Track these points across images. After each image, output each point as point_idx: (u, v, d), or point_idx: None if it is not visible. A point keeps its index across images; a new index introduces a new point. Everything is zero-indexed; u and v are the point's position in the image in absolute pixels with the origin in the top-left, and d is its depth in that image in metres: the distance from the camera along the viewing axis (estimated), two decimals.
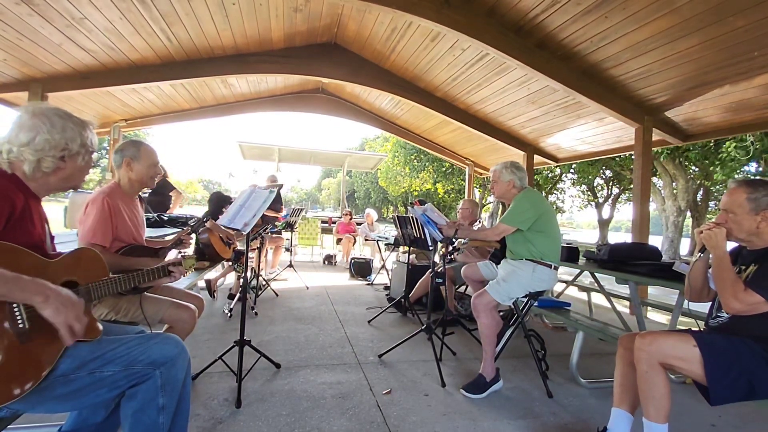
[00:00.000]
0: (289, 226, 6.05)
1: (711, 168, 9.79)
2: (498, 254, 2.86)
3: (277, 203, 6.15)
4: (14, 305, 1.07)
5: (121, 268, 1.52)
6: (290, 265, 5.89)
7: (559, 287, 5.05)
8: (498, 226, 2.58)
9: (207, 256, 3.71)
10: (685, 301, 2.80)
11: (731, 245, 1.83)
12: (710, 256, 1.70)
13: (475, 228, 4.11)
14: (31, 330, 1.10)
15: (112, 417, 1.44)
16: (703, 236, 1.66)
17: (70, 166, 1.30)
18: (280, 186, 5.81)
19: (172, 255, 2.13)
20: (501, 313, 2.65)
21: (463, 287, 4.55)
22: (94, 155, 1.39)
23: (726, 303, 1.54)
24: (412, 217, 3.46)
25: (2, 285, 0.98)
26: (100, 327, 1.31)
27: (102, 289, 1.36)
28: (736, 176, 10.69)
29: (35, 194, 1.27)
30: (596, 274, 3.69)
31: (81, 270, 1.32)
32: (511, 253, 2.66)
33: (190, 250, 3.97)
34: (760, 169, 10.96)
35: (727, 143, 9.27)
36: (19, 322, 1.08)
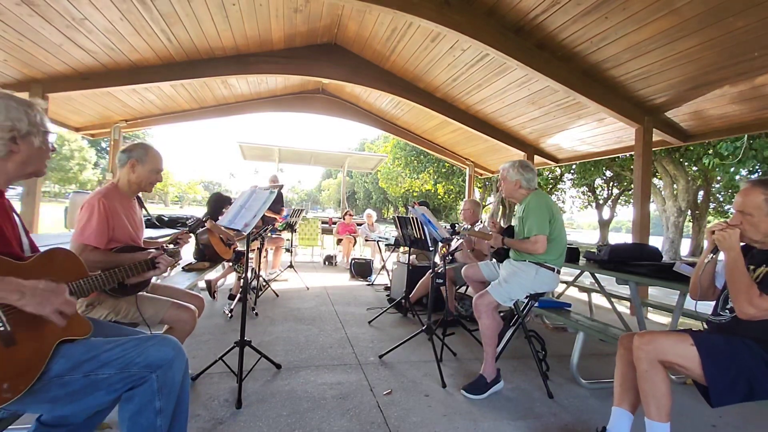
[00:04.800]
0: (290, 227, 6.05)
1: (705, 163, 9.79)
2: (501, 252, 2.85)
3: (278, 204, 6.15)
4: None
5: (115, 265, 1.51)
6: (290, 266, 5.89)
7: (559, 288, 5.05)
8: (537, 239, 2.45)
9: (207, 256, 3.72)
10: (686, 302, 2.81)
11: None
12: (720, 257, 1.66)
13: (476, 228, 4.11)
14: (15, 332, 1.07)
15: (91, 419, 1.44)
16: (716, 237, 1.61)
17: (25, 148, 1.23)
18: (281, 187, 5.81)
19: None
20: (501, 314, 2.65)
21: (464, 288, 4.54)
22: (51, 136, 1.32)
23: (740, 308, 1.50)
24: (412, 218, 3.46)
25: None
26: (90, 324, 1.28)
27: (83, 288, 1.31)
28: (737, 177, 10.70)
29: None
30: (597, 275, 3.69)
31: (57, 270, 1.26)
32: (515, 254, 2.65)
33: (189, 251, 3.98)
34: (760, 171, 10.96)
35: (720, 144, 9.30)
36: (0, 325, 1.05)
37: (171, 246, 1.87)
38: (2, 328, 1.05)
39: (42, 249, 1.33)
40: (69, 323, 1.21)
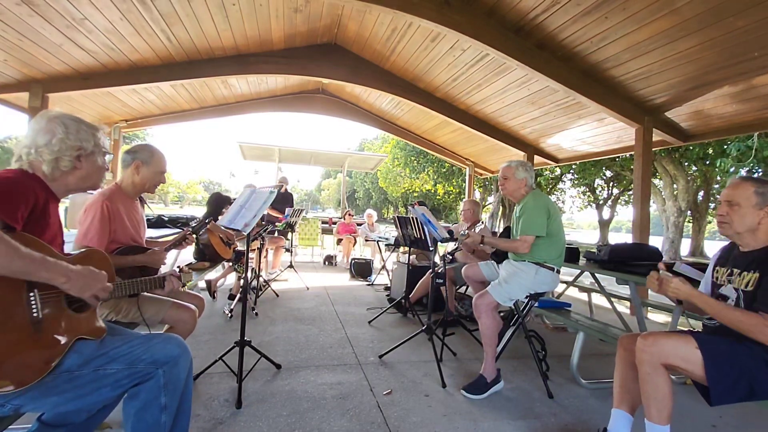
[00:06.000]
0: (290, 227, 6.05)
1: (716, 164, 9.81)
2: (500, 253, 2.86)
3: (284, 204, 6.17)
4: (30, 293, 1.11)
5: (115, 268, 1.54)
6: (291, 266, 5.89)
7: (559, 288, 5.05)
8: (524, 238, 2.48)
9: (207, 256, 3.73)
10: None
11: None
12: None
13: (477, 229, 4.11)
14: (44, 320, 1.13)
15: (92, 419, 1.46)
16: (671, 294, 1.60)
17: (87, 165, 1.37)
18: (279, 187, 5.80)
19: (171, 255, 2.12)
20: (501, 314, 2.65)
21: (464, 288, 4.54)
22: (108, 157, 1.46)
23: (758, 339, 1.44)
24: (412, 218, 3.46)
25: (30, 263, 1.03)
26: (105, 327, 1.33)
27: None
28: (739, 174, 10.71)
29: (55, 195, 1.33)
30: (597, 275, 3.69)
31: None
32: (514, 254, 2.65)
33: (190, 250, 3.97)
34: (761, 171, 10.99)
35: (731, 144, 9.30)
36: (34, 311, 1.11)
37: (187, 268, 1.88)
38: (35, 315, 1.12)
39: None
40: (88, 323, 1.28)
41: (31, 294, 1.11)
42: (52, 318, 1.16)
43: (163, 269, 2.03)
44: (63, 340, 1.18)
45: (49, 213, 1.27)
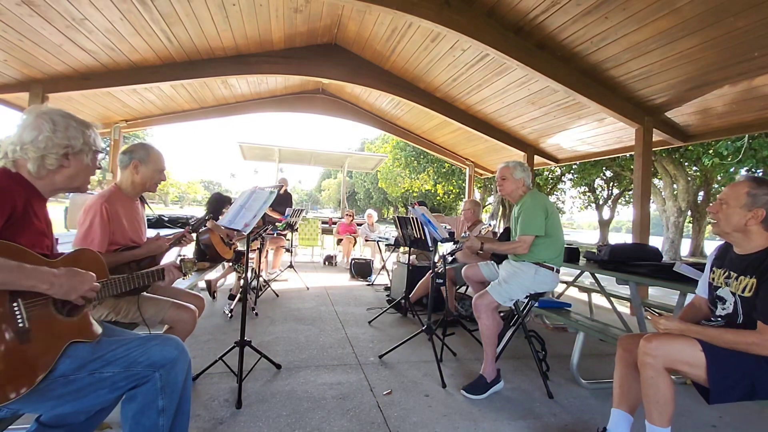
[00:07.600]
0: (290, 227, 6.05)
1: (703, 162, 9.87)
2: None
3: (283, 205, 6.17)
4: (14, 304, 1.07)
5: (115, 265, 1.53)
6: (291, 266, 5.89)
7: (559, 288, 5.05)
8: (523, 239, 2.49)
9: (208, 256, 3.72)
10: (686, 302, 2.80)
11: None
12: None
13: (478, 230, 4.11)
14: (31, 329, 1.10)
15: (91, 419, 1.46)
16: (663, 332, 1.61)
17: (75, 164, 1.31)
18: (279, 187, 5.79)
19: (171, 254, 2.13)
20: (501, 314, 2.65)
21: (464, 288, 4.54)
22: (99, 156, 1.41)
23: (759, 354, 1.45)
24: (412, 218, 3.46)
25: (7, 273, 1.00)
26: (99, 328, 1.31)
27: (102, 291, 1.35)
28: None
29: (41, 194, 1.28)
30: (597, 275, 3.69)
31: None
32: (513, 255, 2.65)
33: (190, 250, 3.96)
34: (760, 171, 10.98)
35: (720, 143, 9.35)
36: (19, 321, 1.08)
37: (188, 256, 1.88)
38: (21, 325, 1.08)
39: None
40: (81, 326, 1.25)
41: (15, 304, 1.07)
42: (41, 325, 1.12)
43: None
44: (54, 346, 1.15)
45: (33, 214, 1.21)
